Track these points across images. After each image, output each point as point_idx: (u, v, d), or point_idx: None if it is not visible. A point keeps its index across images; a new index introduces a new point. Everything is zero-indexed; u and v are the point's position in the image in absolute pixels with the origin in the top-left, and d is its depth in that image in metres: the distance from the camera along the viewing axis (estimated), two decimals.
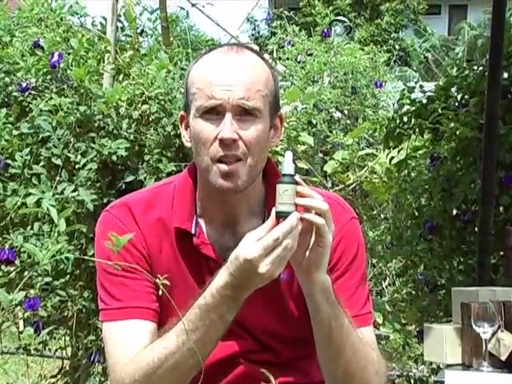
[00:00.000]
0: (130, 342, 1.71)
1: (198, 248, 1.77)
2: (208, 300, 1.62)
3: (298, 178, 1.62)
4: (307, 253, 1.64)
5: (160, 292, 1.60)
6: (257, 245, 1.56)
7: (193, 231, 1.77)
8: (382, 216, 5.10)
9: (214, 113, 1.69)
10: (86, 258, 2.10)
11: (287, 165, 1.62)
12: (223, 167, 1.68)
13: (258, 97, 1.69)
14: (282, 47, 5.99)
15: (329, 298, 1.69)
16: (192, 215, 1.78)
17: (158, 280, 1.53)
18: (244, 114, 1.69)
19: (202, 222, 1.80)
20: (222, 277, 1.61)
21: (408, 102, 4.00)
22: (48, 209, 2.70)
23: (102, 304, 1.78)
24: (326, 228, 1.61)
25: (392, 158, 4.08)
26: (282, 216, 1.58)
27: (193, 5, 4.42)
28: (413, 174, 4.04)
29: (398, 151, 4.06)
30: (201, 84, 1.70)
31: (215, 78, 1.69)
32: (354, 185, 4.88)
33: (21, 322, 3.32)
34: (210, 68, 1.71)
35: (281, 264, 1.58)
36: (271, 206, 1.63)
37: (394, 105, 5.34)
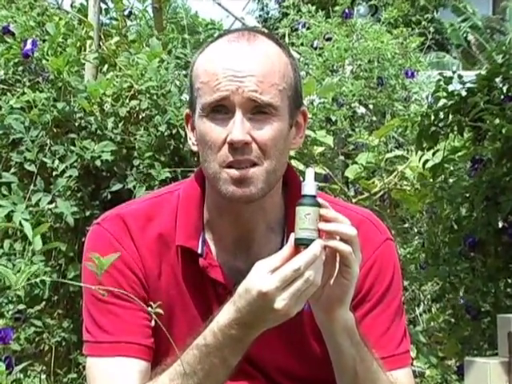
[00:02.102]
0: (118, 383, 1.71)
1: (204, 271, 1.76)
2: (209, 340, 1.62)
3: (321, 200, 1.62)
4: (329, 285, 1.64)
5: (154, 322, 1.59)
6: (273, 276, 1.56)
7: (199, 251, 1.76)
8: (415, 230, 5.11)
9: (222, 111, 1.68)
10: (65, 281, 2.11)
11: (309, 184, 1.63)
12: (234, 172, 1.67)
13: (274, 91, 1.68)
14: (296, 30, 5.99)
15: (353, 339, 1.69)
16: (199, 231, 1.78)
17: (150, 308, 1.53)
18: (257, 111, 1.68)
19: (209, 239, 1.79)
20: (226, 313, 1.61)
21: (445, 94, 4.01)
22: (21, 224, 2.73)
23: (87, 335, 1.78)
24: (353, 256, 1.61)
25: (426, 161, 4.09)
26: (302, 244, 1.59)
27: None
28: (451, 180, 4.04)
29: (433, 153, 4.07)
30: (205, 77, 1.70)
31: (221, 69, 1.68)
32: (381, 193, 4.88)
33: None
34: (216, 58, 1.71)
35: (300, 300, 1.58)
36: (292, 222, 1.62)
37: (428, 98, 5.36)
